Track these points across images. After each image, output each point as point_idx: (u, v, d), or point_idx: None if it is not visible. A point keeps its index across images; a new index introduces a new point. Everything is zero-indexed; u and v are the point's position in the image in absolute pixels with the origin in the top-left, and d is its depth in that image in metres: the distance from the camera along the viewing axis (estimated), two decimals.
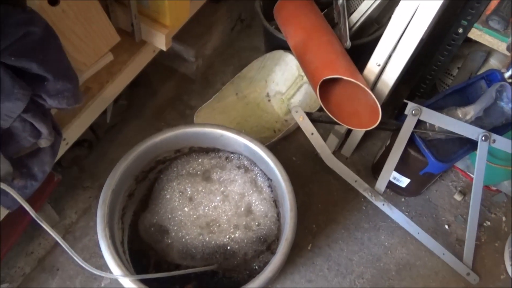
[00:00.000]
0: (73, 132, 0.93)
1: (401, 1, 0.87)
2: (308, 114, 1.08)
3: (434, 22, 0.89)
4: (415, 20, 0.88)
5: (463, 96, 1.10)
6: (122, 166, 0.89)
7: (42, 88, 0.67)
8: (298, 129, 1.26)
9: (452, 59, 1.16)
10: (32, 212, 0.65)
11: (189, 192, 0.99)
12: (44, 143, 0.73)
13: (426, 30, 0.89)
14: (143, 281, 0.78)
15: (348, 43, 1.07)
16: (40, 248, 1.10)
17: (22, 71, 0.63)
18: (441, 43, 1.12)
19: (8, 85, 0.62)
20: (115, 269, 0.77)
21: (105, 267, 0.79)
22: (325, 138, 1.27)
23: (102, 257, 0.80)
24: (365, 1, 1.13)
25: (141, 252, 0.97)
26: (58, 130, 0.79)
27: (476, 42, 1.01)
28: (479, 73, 1.19)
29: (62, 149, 0.92)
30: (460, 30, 1.04)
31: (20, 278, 1.06)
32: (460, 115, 1.02)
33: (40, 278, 1.07)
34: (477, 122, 1.01)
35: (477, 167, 1.04)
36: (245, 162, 1.02)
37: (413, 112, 1.00)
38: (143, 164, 0.96)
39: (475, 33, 0.99)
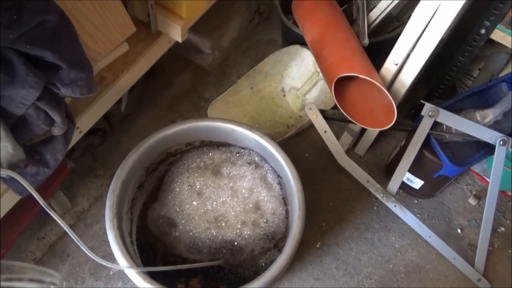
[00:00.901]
0: (86, 121, 0.93)
1: (421, 0, 0.85)
2: (322, 112, 1.06)
3: (455, 22, 0.87)
4: (436, 19, 0.86)
5: (482, 98, 1.08)
6: (133, 157, 0.89)
7: (56, 76, 0.67)
8: (312, 125, 1.24)
9: (473, 60, 1.13)
10: (41, 201, 0.65)
11: (198, 186, 0.99)
12: (57, 131, 0.74)
13: (446, 30, 0.86)
14: (149, 273, 0.78)
15: (366, 41, 1.05)
16: (51, 234, 1.12)
17: (36, 59, 0.64)
18: (462, 43, 1.09)
19: (23, 73, 0.62)
20: (121, 260, 0.78)
21: (113, 256, 0.80)
22: (339, 136, 1.25)
23: None
24: None
25: (148, 243, 0.97)
26: (72, 118, 0.80)
27: (498, 43, 0.98)
28: (500, 75, 1.16)
29: (76, 137, 0.93)
30: (483, 31, 1.01)
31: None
32: (479, 118, 0.99)
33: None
34: (495, 125, 0.99)
35: (493, 171, 1.02)
36: (256, 158, 1.01)
37: (430, 113, 0.98)
38: (153, 156, 0.96)
39: (498, 35, 0.96)
